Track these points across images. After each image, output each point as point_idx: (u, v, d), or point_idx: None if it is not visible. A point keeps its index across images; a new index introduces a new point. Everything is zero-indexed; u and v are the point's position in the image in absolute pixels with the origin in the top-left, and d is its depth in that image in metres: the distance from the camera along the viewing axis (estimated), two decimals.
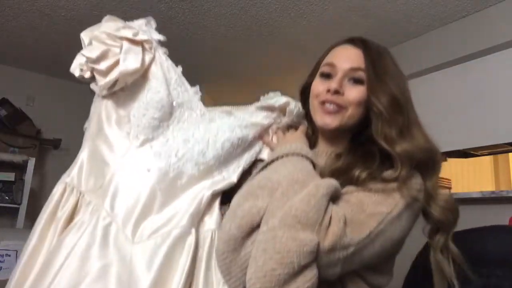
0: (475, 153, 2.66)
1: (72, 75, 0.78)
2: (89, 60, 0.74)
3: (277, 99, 0.88)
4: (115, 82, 0.76)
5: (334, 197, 0.68)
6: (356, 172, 0.72)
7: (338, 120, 0.81)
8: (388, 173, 0.73)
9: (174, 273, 0.67)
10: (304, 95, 0.91)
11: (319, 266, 0.61)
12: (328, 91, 0.81)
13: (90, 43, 0.75)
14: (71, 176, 0.74)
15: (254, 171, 0.79)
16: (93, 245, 0.66)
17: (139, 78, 0.78)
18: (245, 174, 0.85)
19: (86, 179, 0.74)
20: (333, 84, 0.80)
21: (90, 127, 0.78)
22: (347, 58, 0.83)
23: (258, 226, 0.64)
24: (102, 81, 0.75)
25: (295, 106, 0.88)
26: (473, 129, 2.45)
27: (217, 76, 3.88)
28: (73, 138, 3.99)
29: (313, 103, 0.85)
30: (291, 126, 0.90)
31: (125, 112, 0.78)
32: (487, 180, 4.13)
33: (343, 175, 0.74)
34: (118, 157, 0.75)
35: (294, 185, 0.66)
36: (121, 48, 0.74)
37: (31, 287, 0.66)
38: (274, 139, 0.89)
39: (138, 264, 0.66)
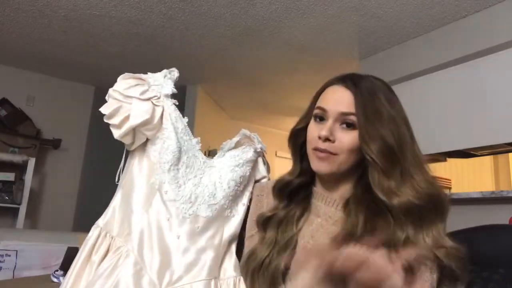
0: (475, 153, 2.66)
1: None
2: (104, 116, 0.84)
3: (234, 139, 1.00)
4: (131, 135, 0.86)
5: None
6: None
7: (330, 166, 0.79)
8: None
9: None
10: (296, 138, 0.88)
11: None
12: (320, 137, 0.78)
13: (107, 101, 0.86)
14: (105, 221, 0.83)
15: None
16: None
17: (157, 131, 0.89)
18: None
19: (117, 225, 0.82)
20: (323, 131, 0.78)
21: (124, 177, 0.88)
22: (337, 101, 0.79)
23: None
24: (116, 134, 0.84)
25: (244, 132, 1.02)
26: (473, 129, 2.45)
27: (217, 76, 3.87)
28: (73, 138, 4.02)
29: (308, 148, 0.83)
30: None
31: (153, 160, 0.88)
32: (487, 180, 4.14)
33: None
34: (141, 206, 0.84)
35: None
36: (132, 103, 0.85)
37: None
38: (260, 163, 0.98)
39: None
